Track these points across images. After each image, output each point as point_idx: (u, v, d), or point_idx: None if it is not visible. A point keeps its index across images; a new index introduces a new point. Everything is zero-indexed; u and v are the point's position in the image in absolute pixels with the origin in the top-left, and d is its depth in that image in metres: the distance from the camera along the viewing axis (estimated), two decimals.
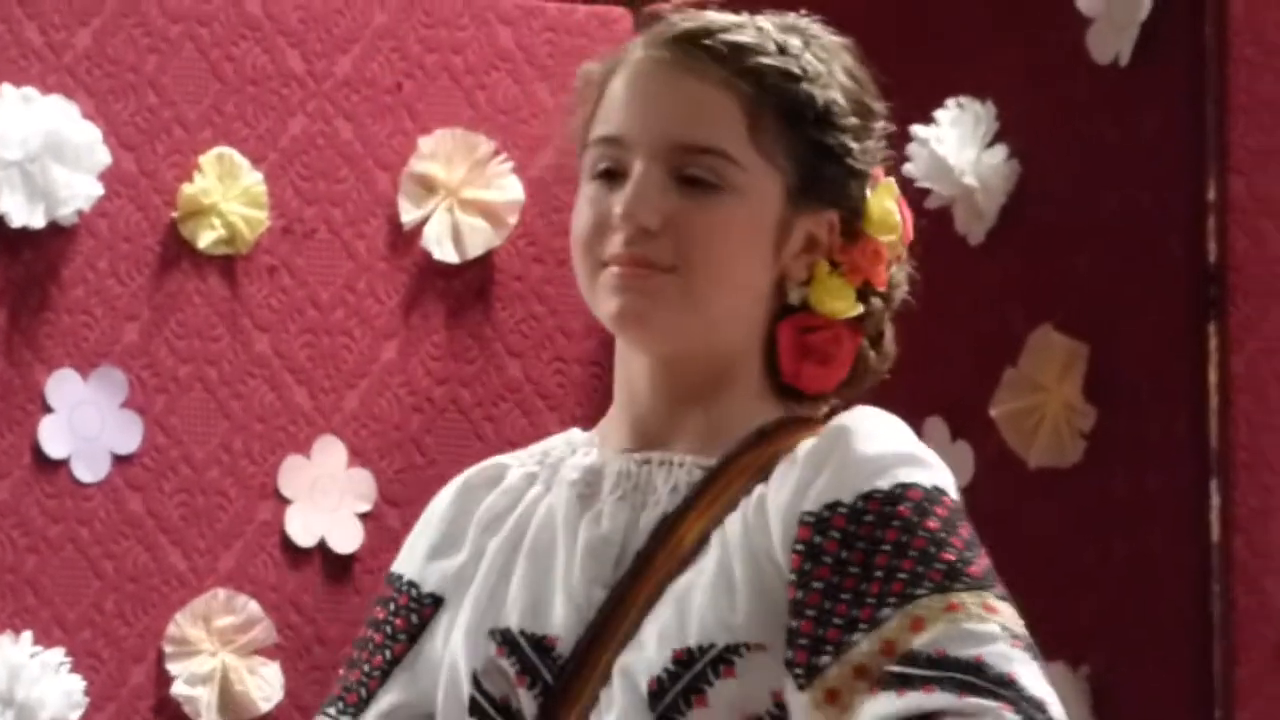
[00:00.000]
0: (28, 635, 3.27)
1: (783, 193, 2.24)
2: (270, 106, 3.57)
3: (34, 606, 3.36)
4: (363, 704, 2.33)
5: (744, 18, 2.30)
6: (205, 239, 3.46)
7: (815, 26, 2.32)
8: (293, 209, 3.56)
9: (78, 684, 3.30)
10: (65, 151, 3.31)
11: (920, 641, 2.08)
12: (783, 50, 2.27)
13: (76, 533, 3.35)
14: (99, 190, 3.31)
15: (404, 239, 3.57)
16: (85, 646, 3.35)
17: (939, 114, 3.44)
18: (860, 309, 2.27)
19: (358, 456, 3.56)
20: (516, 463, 2.38)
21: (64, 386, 3.31)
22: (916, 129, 3.41)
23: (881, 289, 2.30)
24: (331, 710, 2.37)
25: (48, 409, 3.31)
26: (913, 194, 3.65)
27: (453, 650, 2.27)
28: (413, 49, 3.57)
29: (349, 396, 3.53)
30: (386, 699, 2.32)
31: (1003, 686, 2.05)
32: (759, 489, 2.20)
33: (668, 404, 2.29)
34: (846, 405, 2.27)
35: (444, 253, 3.58)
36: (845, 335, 2.30)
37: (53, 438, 3.33)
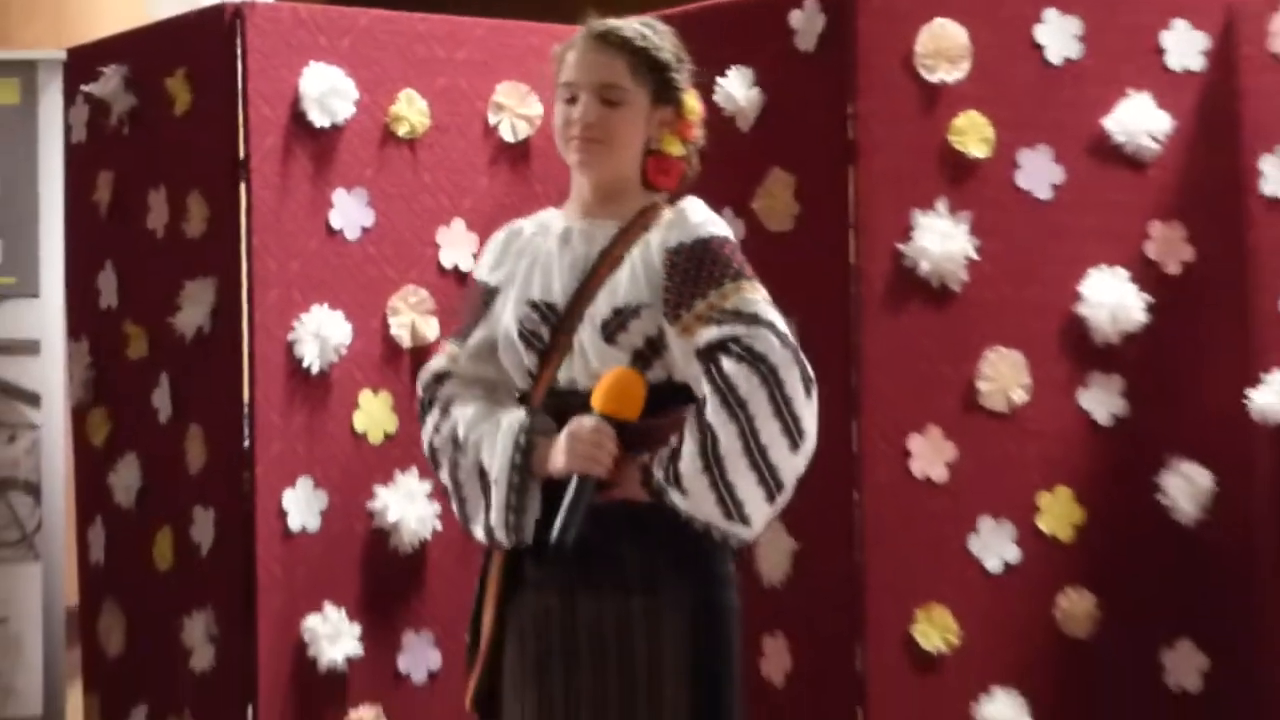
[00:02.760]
0: None
1: (649, 101, 3.21)
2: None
3: None
4: (466, 336, 3.33)
5: (625, 21, 3.24)
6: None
7: (655, 21, 3.30)
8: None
9: None
10: None
11: (727, 304, 3.08)
12: (644, 37, 3.21)
13: None
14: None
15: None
16: None
17: (729, 73, 4.54)
18: (684, 151, 3.29)
19: None
20: (527, 225, 3.35)
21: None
22: (719, 80, 4.52)
23: (692, 142, 3.31)
24: (450, 340, 3.38)
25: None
26: (718, 109, 4.48)
27: (508, 313, 3.26)
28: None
29: None
30: (478, 334, 3.33)
31: (765, 323, 3.07)
32: (645, 236, 3.19)
33: (599, 198, 3.24)
34: (675, 195, 3.37)
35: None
36: (676, 162, 3.30)
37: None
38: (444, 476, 3.32)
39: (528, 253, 3.28)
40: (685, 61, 3.29)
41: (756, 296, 3.09)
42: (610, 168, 3.21)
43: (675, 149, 3.27)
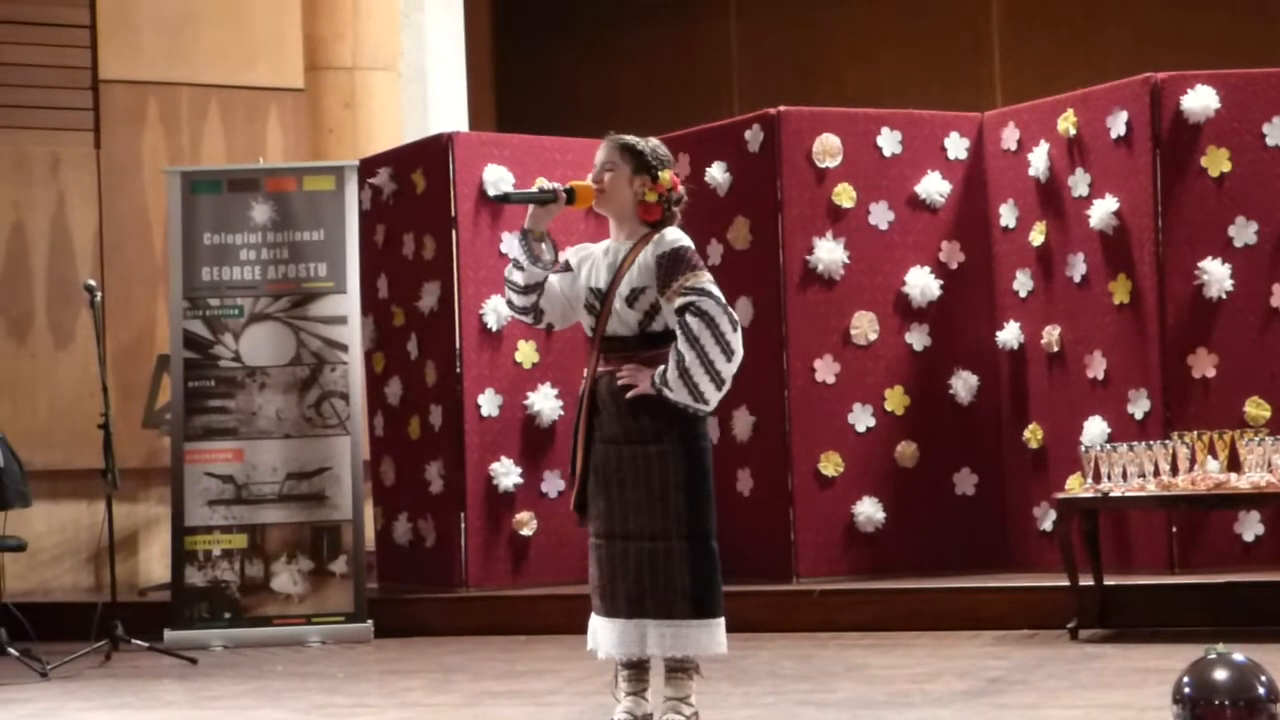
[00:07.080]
0: None
1: (630, 171, 3.93)
2: None
3: None
4: (551, 268, 4.00)
5: (628, 136, 3.98)
6: None
7: (650, 138, 4.02)
8: None
9: None
10: None
11: (688, 284, 3.88)
12: (626, 140, 3.99)
13: None
14: None
15: None
16: None
17: (713, 164, 6.07)
18: (655, 198, 3.97)
19: None
20: (594, 246, 4.03)
21: None
22: (707, 168, 6.03)
23: (665, 195, 3.96)
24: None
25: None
26: (707, 184, 5.90)
27: (579, 290, 4.00)
28: None
29: None
30: (554, 280, 4.04)
31: (707, 294, 3.85)
32: (645, 249, 3.92)
33: (616, 226, 3.97)
34: (658, 225, 3.96)
35: None
36: (655, 206, 3.97)
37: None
38: (513, 280, 4.09)
39: (589, 259, 4.13)
40: (659, 155, 4.06)
41: (704, 279, 3.94)
42: (609, 205, 4.08)
43: (652, 198, 4.05)
